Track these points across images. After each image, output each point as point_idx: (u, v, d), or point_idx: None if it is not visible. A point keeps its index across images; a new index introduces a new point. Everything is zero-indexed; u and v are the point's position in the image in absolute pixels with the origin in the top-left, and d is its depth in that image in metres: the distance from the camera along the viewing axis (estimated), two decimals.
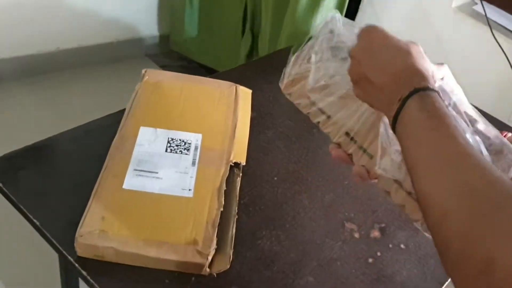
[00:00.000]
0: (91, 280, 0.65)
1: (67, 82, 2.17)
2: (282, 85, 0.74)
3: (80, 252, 0.67)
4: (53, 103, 2.07)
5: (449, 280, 0.73)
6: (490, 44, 1.36)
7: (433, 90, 0.53)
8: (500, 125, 1.20)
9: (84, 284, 0.68)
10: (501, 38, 1.34)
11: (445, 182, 0.46)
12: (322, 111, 0.69)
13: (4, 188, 0.74)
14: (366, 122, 0.66)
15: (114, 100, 0.96)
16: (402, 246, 0.81)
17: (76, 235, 0.67)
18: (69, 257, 0.67)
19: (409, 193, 0.58)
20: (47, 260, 1.00)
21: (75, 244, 0.67)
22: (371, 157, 0.64)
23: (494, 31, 1.33)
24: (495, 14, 1.41)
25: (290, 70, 0.73)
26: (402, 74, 0.55)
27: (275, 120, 0.95)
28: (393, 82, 0.56)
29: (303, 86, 0.71)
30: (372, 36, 0.61)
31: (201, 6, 2.24)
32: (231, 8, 2.16)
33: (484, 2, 1.37)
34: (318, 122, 0.70)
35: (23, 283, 1.49)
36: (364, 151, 0.65)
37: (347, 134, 0.67)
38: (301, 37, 1.50)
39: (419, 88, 0.53)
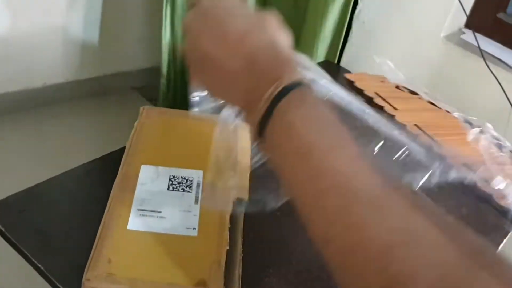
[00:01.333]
0: None
1: (54, 117, 2.15)
2: None
3: None
4: (41, 139, 2.05)
5: None
6: (480, 71, 1.39)
7: (305, 83, 0.42)
8: None
9: None
10: (492, 68, 1.38)
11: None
12: None
13: (6, 232, 0.73)
14: None
15: (103, 134, 0.96)
16: None
17: (83, 279, 0.65)
18: None
19: None
20: None
21: None
22: None
23: (486, 61, 1.36)
24: (482, 42, 1.45)
25: None
26: (263, 58, 0.43)
27: None
28: (251, 68, 0.43)
29: None
30: (213, 3, 0.47)
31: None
32: None
33: (474, 32, 1.41)
34: None
35: None
36: None
37: None
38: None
39: (293, 84, 0.41)
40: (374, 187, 0.37)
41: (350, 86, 0.93)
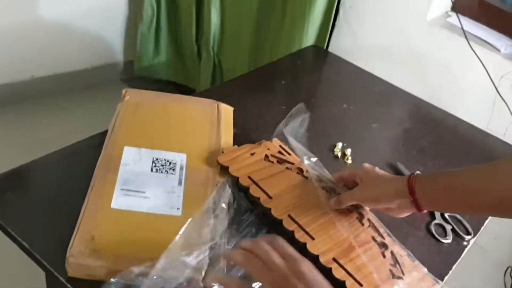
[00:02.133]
0: None
1: (42, 110, 2.15)
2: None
3: (71, 272, 0.67)
4: (29, 132, 2.05)
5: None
6: (466, 54, 1.40)
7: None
8: (480, 134, 1.25)
9: None
10: (476, 48, 1.39)
11: None
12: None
13: None
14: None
15: (91, 126, 0.97)
16: None
17: (67, 255, 0.66)
18: (61, 278, 0.67)
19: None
20: (34, 282, 0.99)
21: (66, 265, 0.66)
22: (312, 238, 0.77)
23: (470, 42, 1.37)
24: (468, 25, 1.47)
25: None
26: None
27: (261, 136, 0.96)
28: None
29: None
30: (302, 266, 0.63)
31: (169, 29, 2.26)
32: (186, 29, 2.18)
33: (457, 14, 1.42)
34: (259, 198, 0.82)
35: None
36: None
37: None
38: (285, 53, 1.52)
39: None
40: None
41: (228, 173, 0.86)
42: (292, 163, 0.92)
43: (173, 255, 0.67)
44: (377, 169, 0.82)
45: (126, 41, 2.41)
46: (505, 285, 1.45)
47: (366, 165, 0.83)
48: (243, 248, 0.67)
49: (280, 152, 0.94)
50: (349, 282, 0.73)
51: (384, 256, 0.80)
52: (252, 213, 0.82)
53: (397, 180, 0.78)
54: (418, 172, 0.76)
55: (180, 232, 0.70)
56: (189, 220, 0.73)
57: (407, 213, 0.81)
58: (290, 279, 0.61)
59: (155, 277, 0.64)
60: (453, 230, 0.91)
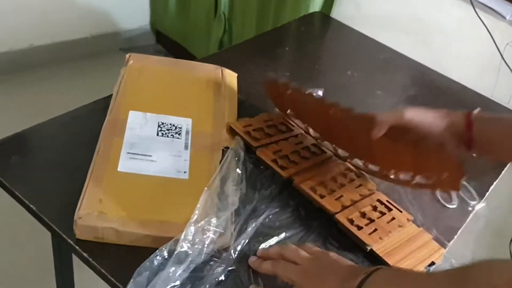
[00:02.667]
0: (93, 262, 0.65)
1: (41, 79, 2.13)
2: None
3: (79, 234, 0.67)
4: (27, 102, 2.03)
5: None
6: (471, 21, 1.39)
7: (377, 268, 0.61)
8: (484, 101, 1.24)
9: (78, 269, 0.68)
10: (481, 15, 1.37)
11: None
12: None
13: None
14: None
15: (90, 95, 0.96)
16: None
17: (75, 217, 0.66)
18: (69, 240, 0.67)
19: None
20: (40, 243, 1.00)
21: (74, 227, 0.66)
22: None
23: (476, 9, 1.36)
24: None
25: None
26: (350, 269, 0.64)
27: (265, 102, 0.96)
28: (346, 275, 0.63)
29: None
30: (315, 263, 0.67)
31: None
32: None
33: None
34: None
35: (16, 268, 1.48)
36: None
37: None
38: (290, 18, 1.50)
39: (373, 270, 0.60)
40: None
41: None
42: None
43: (199, 223, 0.68)
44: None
45: (126, 10, 2.37)
46: (511, 255, 1.46)
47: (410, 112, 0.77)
48: (270, 255, 0.69)
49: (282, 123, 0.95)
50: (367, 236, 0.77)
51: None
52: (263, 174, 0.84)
53: (453, 115, 0.76)
54: (477, 110, 0.74)
55: (199, 203, 0.70)
56: (206, 189, 0.73)
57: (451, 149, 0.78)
58: (319, 264, 0.65)
59: (185, 247, 0.65)
60: (458, 195, 0.91)
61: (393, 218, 0.81)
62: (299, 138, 0.92)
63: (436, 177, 0.75)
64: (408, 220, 0.82)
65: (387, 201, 0.84)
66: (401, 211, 0.83)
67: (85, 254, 0.66)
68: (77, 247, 0.66)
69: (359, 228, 0.77)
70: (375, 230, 0.77)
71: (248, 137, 0.87)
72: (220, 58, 1.09)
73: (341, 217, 0.78)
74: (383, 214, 0.81)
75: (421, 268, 0.76)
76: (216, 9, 2.13)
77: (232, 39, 2.15)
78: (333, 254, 0.68)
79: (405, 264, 0.75)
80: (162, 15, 2.39)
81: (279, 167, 0.84)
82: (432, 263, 0.77)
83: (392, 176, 0.84)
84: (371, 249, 0.76)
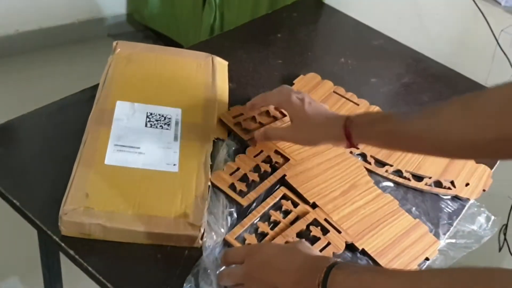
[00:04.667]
0: (80, 259, 0.63)
1: (27, 65, 2.09)
2: None
3: (64, 230, 0.64)
4: (14, 88, 1.99)
5: None
6: (466, 6, 1.36)
7: (339, 262, 0.57)
8: (479, 88, 1.22)
9: (65, 263, 0.66)
10: (477, 1, 1.35)
11: None
12: None
13: None
14: None
15: (78, 82, 0.93)
16: None
17: (60, 213, 0.63)
18: (54, 237, 0.64)
19: None
20: (27, 240, 0.97)
21: (59, 223, 0.64)
22: None
23: None
24: None
25: None
26: (306, 266, 0.58)
27: (257, 91, 0.93)
28: (301, 276, 0.58)
29: None
30: (256, 252, 0.63)
31: None
32: None
33: None
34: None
35: (2, 263, 1.46)
36: None
37: None
38: (283, 3, 1.47)
39: (331, 266, 0.56)
40: None
41: None
42: None
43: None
44: (306, 103, 0.76)
45: None
46: (499, 242, 1.46)
47: (294, 98, 0.77)
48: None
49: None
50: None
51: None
52: None
53: (331, 126, 0.73)
54: (352, 115, 0.72)
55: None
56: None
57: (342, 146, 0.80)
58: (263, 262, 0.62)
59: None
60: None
61: (328, 244, 0.73)
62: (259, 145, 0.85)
63: None
64: (346, 243, 0.74)
65: (325, 220, 0.76)
66: (339, 232, 0.75)
67: (71, 252, 0.64)
68: (62, 244, 0.64)
69: None
70: None
71: (239, 129, 0.84)
72: (210, 46, 1.06)
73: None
74: (316, 239, 0.73)
75: (414, 266, 0.74)
76: None
77: (224, 26, 2.11)
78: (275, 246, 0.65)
79: (397, 263, 0.73)
80: (142, 6, 2.31)
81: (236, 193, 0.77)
82: (427, 259, 0.76)
83: None
84: (363, 249, 0.74)
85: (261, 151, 0.83)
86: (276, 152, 0.84)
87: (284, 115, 0.90)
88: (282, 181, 0.80)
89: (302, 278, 0.57)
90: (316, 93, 1.01)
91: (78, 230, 0.64)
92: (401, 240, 0.76)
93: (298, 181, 0.80)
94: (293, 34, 1.24)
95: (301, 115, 0.76)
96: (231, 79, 0.98)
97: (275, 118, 0.89)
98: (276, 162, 0.82)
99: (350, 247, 0.74)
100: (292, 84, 1.02)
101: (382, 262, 0.73)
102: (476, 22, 1.36)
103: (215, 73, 0.95)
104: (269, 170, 0.81)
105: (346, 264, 0.59)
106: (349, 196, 0.81)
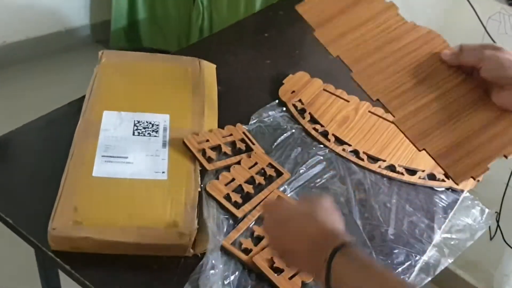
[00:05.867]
0: (76, 274, 0.62)
1: (17, 76, 2.08)
2: None
3: (54, 245, 0.64)
4: (4, 101, 1.98)
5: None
6: None
7: (349, 243, 0.55)
8: None
9: (65, 277, 0.65)
10: None
11: None
12: None
13: None
14: None
15: (69, 91, 0.92)
16: None
17: (49, 228, 0.63)
18: (49, 253, 0.64)
19: None
20: (25, 253, 0.97)
21: (48, 238, 0.63)
22: None
23: None
24: None
25: None
26: (318, 239, 0.57)
27: (246, 92, 0.93)
28: (312, 248, 0.57)
29: None
30: (276, 210, 0.63)
31: None
32: None
33: None
34: None
35: (1, 277, 1.45)
36: None
37: None
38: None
39: (337, 248, 0.54)
40: None
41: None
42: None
43: None
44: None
45: (100, 1, 2.31)
46: (490, 232, 1.46)
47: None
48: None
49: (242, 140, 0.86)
50: None
51: None
52: None
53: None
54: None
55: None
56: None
57: None
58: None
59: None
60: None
61: None
62: (254, 157, 0.83)
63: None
64: None
65: None
66: None
67: (67, 267, 0.63)
68: (58, 260, 0.64)
69: (279, 271, 0.68)
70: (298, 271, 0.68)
71: (202, 157, 0.79)
72: (197, 50, 1.05)
73: (259, 260, 0.68)
74: None
75: (486, 165, 0.64)
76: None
77: (213, 28, 2.10)
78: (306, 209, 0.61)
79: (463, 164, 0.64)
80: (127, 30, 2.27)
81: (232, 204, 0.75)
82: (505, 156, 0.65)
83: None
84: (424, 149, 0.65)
85: (256, 163, 0.82)
86: (270, 165, 0.83)
87: (250, 149, 0.85)
88: None
89: (313, 250, 0.57)
90: (306, 92, 1.00)
91: (68, 244, 0.64)
92: (475, 137, 0.65)
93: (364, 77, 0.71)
94: (281, 33, 1.24)
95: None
96: (219, 82, 0.97)
97: (241, 151, 0.84)
98: (270, 176, 0.81)
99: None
100: (281, 83, 1.01)
101: (443, 163, 0.64)
102: (462, 10, 1.36)
103: (203, 77, 0.95)
104: (264, 183, 0.80)
105: (350, 252, 0.55)
106: (421, 89, 0.69)
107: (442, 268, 0.75)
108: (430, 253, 0.76)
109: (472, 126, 0.66)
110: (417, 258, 0.75)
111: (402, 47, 0.74)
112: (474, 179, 0.68)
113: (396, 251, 0.76)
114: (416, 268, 0.74)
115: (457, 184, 0.67)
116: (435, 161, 0.65)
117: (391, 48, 0.73)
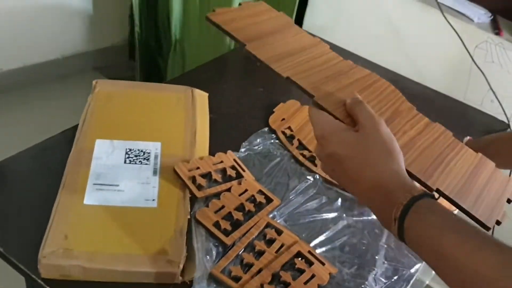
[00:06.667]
0: None
1: (13, 104, 2.09)
2: None
3: (44, 273, 0.64)
4: (1, 127, 1.99)
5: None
6: (440, 26, 1.40)
7: (419, 201, 0.52)
8: (458, 105, 1.24)
9: None
10: (450, 20, 1.38)
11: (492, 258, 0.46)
12: None
13: None
14: None
15: (66, 118, 0.94)
16: None
17: (39, 256, 0.64)
18: (39, 280, 0.64)
19: None
20: (15, 285, 0.97)
21: (38, 266, 0.64)
22: None
23: (444, 14, 1.36)
24: None
25: None
26: (379, 191, 0.55)
27: (238, 120, 0.94)
28: (374, 202, 0.56)
29: None
30: (326, 147, 0.60)
31: None
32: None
33: None
34: None
35: None
36: None
37: None
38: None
39: (418, 196, 0.53)
40: (500, 269, 0.45)
41: None
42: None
43: None
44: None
45: (96, 28, 2.35)
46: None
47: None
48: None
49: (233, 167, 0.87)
50: None
51: None
52: None
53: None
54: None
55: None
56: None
57: None
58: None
59: None
60: None
61: (313, 276, 0.72)
62: (244, 184, 0.83)
63: None
64: (330, 274, 0.73)
65: (309, 252, 0.75)
66: (323, 263, 0.74)
67: None
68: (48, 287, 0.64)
69: None
70: None
71: (193, 184, 0.79)
72: (189, 78, 1.08)
73: None
74: (301, 272, 0.72)
75: (501, 209, 0.64)
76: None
77: (185, 64, 2.12)
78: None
79: (483, 206, 0.61)
80: None
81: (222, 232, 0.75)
82: (508, 201, 0.66)
83: None
84: (438, 189, 0.61)
85: (246, 190, 0.83)
86: (260, 192, 0.84)
87: (240, 176, 0.85)
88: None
89: (376, 203, 0.55)
90: (295, 119, 1.02)
91: (57, 272, 0.64)
92: (475, 178, 0.65)
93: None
94: None
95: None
96: (211, 110, 0.99)
97: (231, 178, 0.85)
98: (260, 202, 0.82)
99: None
100: (272, 112, 1.03)
101: (466, 205, 0.60)
102: (450, 40, 1.39)
103: (195, 105, 0.96)
104: (253, 210, 0.81)
105: (428, 208, 0.52)
106: (396, 125, 0.67)
107: None
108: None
109: (465, 168, 0.66)
110: (404, 272, 0.77)
111: (354, 81, 0.72)
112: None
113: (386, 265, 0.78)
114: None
115: None
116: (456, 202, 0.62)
117: (345, 80, 0.71)
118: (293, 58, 0.72)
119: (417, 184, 0.58)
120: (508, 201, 0.66)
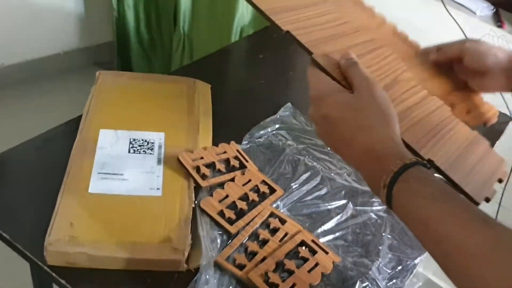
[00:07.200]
0: None
1: (15, 98, 2.10)
2: None
3: (50, 260, 0.65)
4: (3, 121, 2.00)
5: None
6: (442, 19, 1.40)
7: (408, 169, 0.51)
8: None
9: None
10: (452, 12, 1.38)
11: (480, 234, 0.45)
12: None
13: None
14: None
15: (66, 112, 0.94)
16: None
17: (45, 243, 0.64)
18: (45, 267, 0.65)
19: None
20: (20, 270, 0.97)
21: (44, 253, 0.64)
22: None
23: (446, 7, 1.36)
24: None
25: None
26: (370, 155, 0.54)
27: (240, 112, 0.94)
28: (364, 166, 0.55)
29: None
30: (319, 109, 0.59)
31: None
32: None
33: None
34: None
35: None
36: None
37: None
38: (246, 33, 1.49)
39: (410, 163, 0.51)
40: (486, 244, 0.44)
41: None
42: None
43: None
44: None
45: (98, 23, 2.35)
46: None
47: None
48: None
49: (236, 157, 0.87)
50: None
51: None
52: None
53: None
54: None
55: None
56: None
57: None
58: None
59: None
60: None
61: (317, 264, 0.72)
62: (248, 174, 0.84)
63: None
64: (334, 262, 0.74)
65: (312, 241, 0.75)
66: (327, 252, 0.74)
67: (62, 281, 0.64)
68: (53, 274, 0.64)
69: (274, 286, 0.68)
70: (294, 285, 0.68)
71: (197, 174, 0.80)
72: (192, 70, 1.08)
73: (254, 275, 0.68)
74: (305, 260, 0.73)
75: (491, 187, 0.63)
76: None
77: (193, 57, 2.12)
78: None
79: (473, 182, 0.60)
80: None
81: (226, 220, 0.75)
82: (500, 180, 0.66)
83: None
84: (430, 159, 0.60)
85: (249, 180, 0.83)
86: (264, 182, 0.84)
87: (244, 167, 0.85)
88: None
89: (367, 168, 0.54)
90: None
91: (63, 259, 0.65)
92: (468, 154, 0.64)
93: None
94: (275, 55, 1.26)
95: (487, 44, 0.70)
96: (214, 101, 0.99)
97: (235, 168, 0.85)
98: (264, 192, 0.83)
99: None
100: (276, 103, 1.03)
101: (456, 178, 0.59)
102: (453, 33, 1.39)
103: (198, 96, 0.97)
104: (257, 199, 0.81)
105: (418, 176, 0.51)
106: (394, 93, 0.66)
107: None
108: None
109: (459, 143, 0.66)
110: (408, 262, 0.77)
111: (356, 44, 0.70)
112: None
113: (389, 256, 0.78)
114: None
115: None
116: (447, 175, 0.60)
117: (348, 42, 0.69)
118: (296, 13, 0.70)
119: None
120: (500, 180, 0.65)
